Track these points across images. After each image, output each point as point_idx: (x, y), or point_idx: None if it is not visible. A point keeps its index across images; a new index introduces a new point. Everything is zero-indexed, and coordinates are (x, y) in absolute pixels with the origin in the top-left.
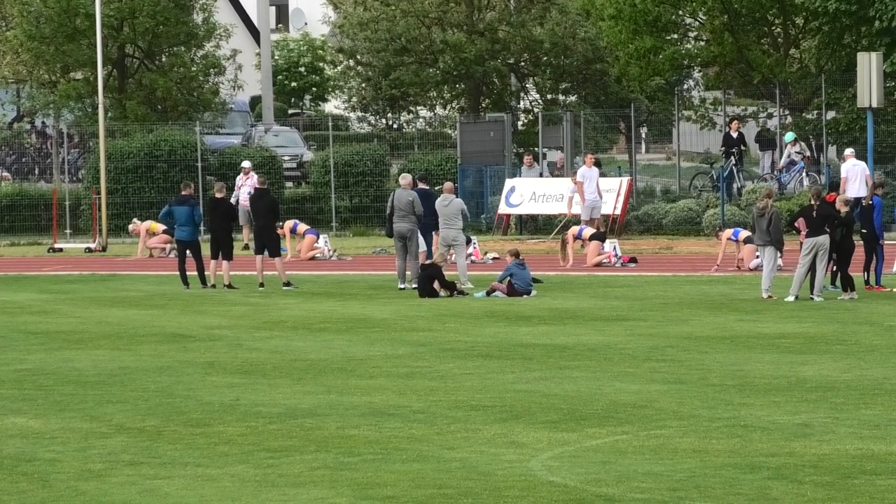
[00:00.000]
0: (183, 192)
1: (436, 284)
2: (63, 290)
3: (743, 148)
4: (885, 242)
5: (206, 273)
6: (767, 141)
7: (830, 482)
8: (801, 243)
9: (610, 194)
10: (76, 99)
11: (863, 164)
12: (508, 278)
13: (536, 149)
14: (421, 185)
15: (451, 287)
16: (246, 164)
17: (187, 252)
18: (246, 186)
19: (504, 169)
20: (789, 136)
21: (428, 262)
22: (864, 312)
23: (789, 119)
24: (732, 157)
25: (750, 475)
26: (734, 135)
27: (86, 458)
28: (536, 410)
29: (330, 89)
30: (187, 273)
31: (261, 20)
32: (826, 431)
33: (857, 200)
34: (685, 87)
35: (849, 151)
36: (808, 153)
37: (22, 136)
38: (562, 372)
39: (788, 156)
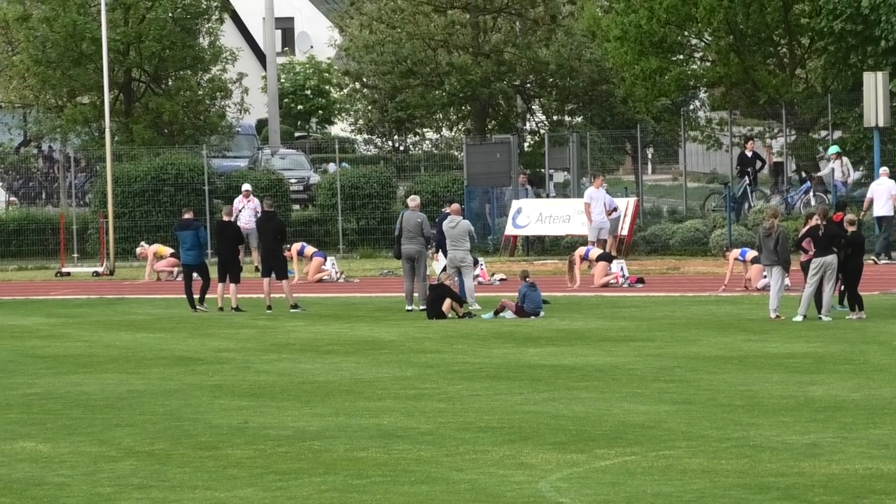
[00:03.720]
0: (184, 216)
1: (446, 305)
2: (71, 314)
3: (758, 167)
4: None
5: (212, 295)
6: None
7: (840, 502)
8: (802, 263)
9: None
10: (83, 123)
11: (891, 182)
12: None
13: (543, 170)
14: (447, 211)
15: (462, 303)
16: (246, 186)
17: (194, 275)
18: (246, 210)
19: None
20: (833, 148)
21: (436, 282)
22: (872, 332)
23: (795, 137)
24: (747, 177)
25: (759, 495)
26: (749, 154)
27: (95, 482)
28: (545, 431)
29: (336, 112)
30: (194, 296)
31: (267, 43)
32: (835, 451)
33: (881, 219)
34: (691, 107)
35: (883, 170)
36: (817, 173)
37: (29, 161)
38: (570, 393)
39: (840, 170)
